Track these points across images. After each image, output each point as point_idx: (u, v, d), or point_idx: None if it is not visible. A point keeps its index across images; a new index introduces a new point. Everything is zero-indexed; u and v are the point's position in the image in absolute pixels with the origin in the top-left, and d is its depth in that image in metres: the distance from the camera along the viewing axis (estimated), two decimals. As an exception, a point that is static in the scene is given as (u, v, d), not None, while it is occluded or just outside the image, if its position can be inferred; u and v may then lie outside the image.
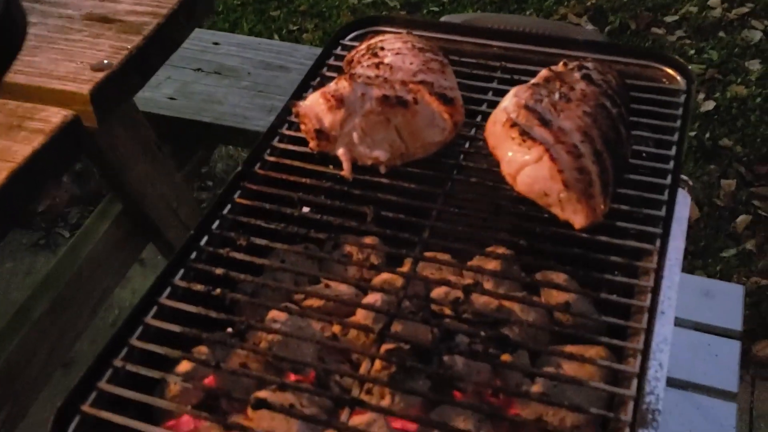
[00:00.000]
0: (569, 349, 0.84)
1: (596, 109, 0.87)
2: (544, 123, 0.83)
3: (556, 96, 0.87)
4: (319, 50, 2.18)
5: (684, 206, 0.98)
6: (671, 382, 1.25)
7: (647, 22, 3.01)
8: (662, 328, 0.79)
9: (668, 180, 0.94)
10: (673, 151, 0.98)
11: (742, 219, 2.24)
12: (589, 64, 0.94)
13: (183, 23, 1.34)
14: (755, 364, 1.97)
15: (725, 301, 1.37)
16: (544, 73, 0.92)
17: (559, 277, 0.90)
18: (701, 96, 2.63)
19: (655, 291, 0.81)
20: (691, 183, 1.05)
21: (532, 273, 0.93)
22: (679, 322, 1.33)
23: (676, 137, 1.00)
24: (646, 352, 0.76)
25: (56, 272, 1.60)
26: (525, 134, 0.82)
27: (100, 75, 1.20)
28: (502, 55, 1.12)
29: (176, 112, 1.91)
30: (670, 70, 1.09)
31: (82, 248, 1.63)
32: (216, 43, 2.12)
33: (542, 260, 0.86)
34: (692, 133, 2.50)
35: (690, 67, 2.92)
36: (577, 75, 0.91)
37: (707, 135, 2.49)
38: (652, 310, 0.80)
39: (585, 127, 0.84)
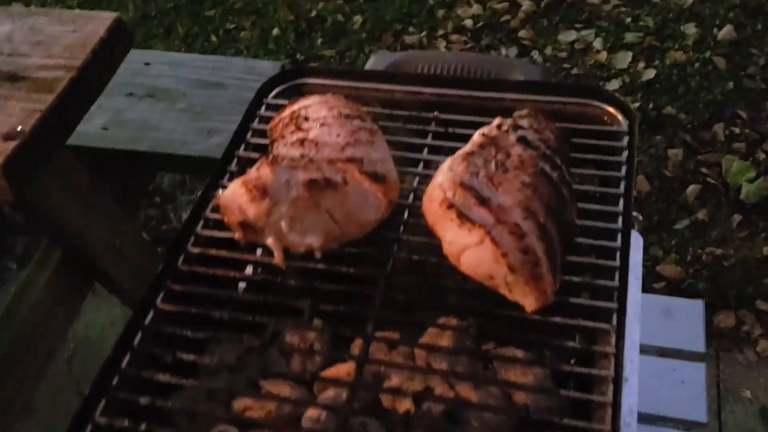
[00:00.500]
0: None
1: (535, 177, 0.81)
2: (482, 201, 0.78)
3: (492, 166, 0.81)
4: (255, 62, 2.12)
5: (637, 250, 0.95)
6: (640, 418, 1.24)
7: (582, -8, 3.00)
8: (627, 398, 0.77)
9: (618, 224, 0.90)
10: (620, 206, 0.93)
11: (692, 189, 2.26)
12: (524, 122, 0.88)
13: (100, 72, 1.24)
14: (717, 335, 2.00)
15: (686, 320, 1.36)
16: (477, 138, 0.86)
17: (516, 352, 0.86)
18: (642, 65, 2.64)
19: (617, 383, 0.77)
20: (641, 218, 1.02)
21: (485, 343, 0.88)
22: (643, 349, 1.32)
23: (622, 188, 0.95)
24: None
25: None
26: (463, 216, 0.77)
27: (12, 144, 1.09)
28: (435, 103, 1.07)
29: (110, 143, 1.82)
30: (610, 109, 1.04)
31: (25, 302, 1.56)
32: (147, 64, 2.02)
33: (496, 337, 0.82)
34: (636, 104, 2.51)
35: (627, 36, 2.88)
36: (512, 138, 0.85)
37: (651, 105, 2.50)
38: (616, 406, 0.75)
39: (526, 200, 0.79)
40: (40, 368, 1.64)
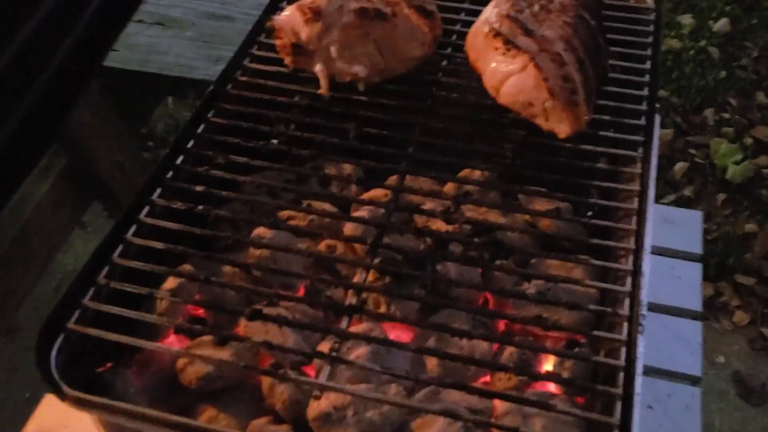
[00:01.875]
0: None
1: (576, 19, 0.88)
2: (528, 32, 0.84)
3: (536, 7, 0.87)
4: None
5: (656, 126, 1.00)
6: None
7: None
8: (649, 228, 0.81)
9: (646, 92, 0.96)
10: (648, 65, 0.99)
11: (680, 166, 2.32)
12: None
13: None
14: (696, 301, 2.05)
15: (685, 227, 1.41)
16: None
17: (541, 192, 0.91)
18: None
19: (642, 195, 0.83)
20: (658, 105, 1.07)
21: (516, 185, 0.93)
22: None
23: (649, 52, 1.02)
24: (638, 252, 0.77)
25: (-2, 232, 1.53)
26: (510, 43, 0.83)
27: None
28: None
29: (119, 63, 1.83)
30: None
31: (26, 206, 1.56)
32: (156, -7, 2.04)
33: (528, 171, 0.86)
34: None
35: None
36: None
37: (645, 87, 2.56)
38: (641, 212, 0.81)
39: (567, 36, 0.85)
40: (39, 269, 1.65)
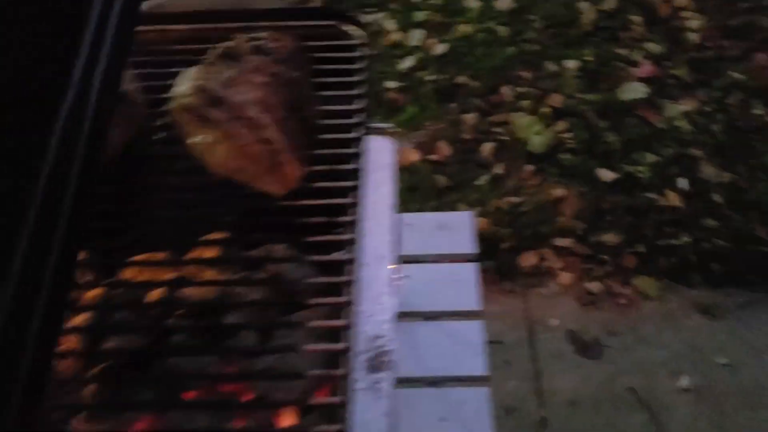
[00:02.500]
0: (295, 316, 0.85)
1: (271, 77, 0.88)
2: (218, 102, 0.83)
3: (229, 72, 0.87)
4: None
5: (387, 152, 1.03)
6: (425, 316, 1.33)
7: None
8: (378, 271, 0.83)
9: (357, 132, 0.97)
10: (359, 104, 1.01)
11: (487, 147, 2.42)
12: (261, 35, 0.94)
13: None
14: (522, 275, 2.16)
15: (458, 230, 1.47)
16: (215, 51, 0.91)
17: (279, 249, 0.91)
18: (433, 41, 2.79)
19: (352, 243, 0.84)
20: (391, 128, 1.09)
21: (254, 249, 0.92)
22: (421, 258, 1.42)
23: (358, 90, 1.03)
24: (352, 304, 0.78)
25: None
26: (201, 117, 0.82)
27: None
28: (182, 38, 1.10)
29: None
30: (347, 26, 1.13)
31: None
32: None
33: (260, 235, 0.87)
34: (432, 77, 2.65)
35: (417, 16, 3.00)
36: (248, 47, 0.91)
37: (444, 76, 2.65)
38: (352, 261, 0.82)
39: (261, 98, 0.85)
40: None
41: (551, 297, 2.11)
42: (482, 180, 2.35)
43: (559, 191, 2.28)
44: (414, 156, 2.41)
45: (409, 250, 1.42)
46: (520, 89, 2.58)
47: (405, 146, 2.44)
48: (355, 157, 0.92)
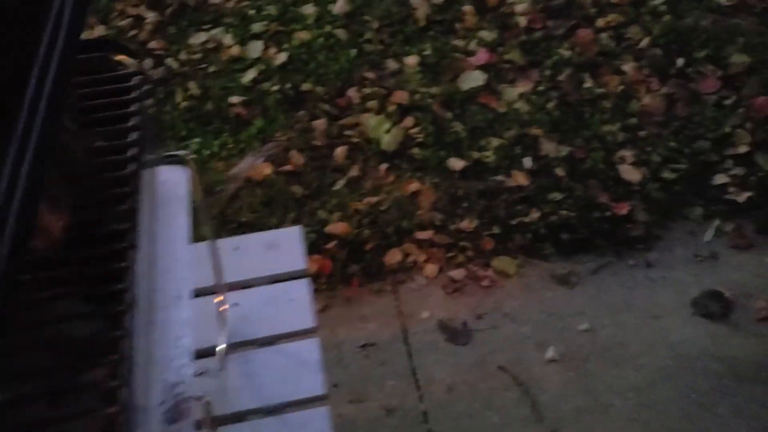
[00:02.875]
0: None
1: None
2: None
3: None
4: None
5: (180, 182, 1.00)
6: (260, 342, 1.31)
7: (204, -6, 3.06)
8: (175, 312, 0.80)
9: (133, 167, 0.92)
10: (135, 136, 0.95)
11: (340, 151, 2.44)
12: None
13: None
14: (390, 273, 2.19)
15: (288, 248, 1.47)
16: None
17: (60, 305, 0.84)
18: (273, 51, 2.77)
19: (124, 293, 0.78)
20: (186, 154, 1.06)
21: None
22: (251, 282, 1.40)
23: (134, 122, 0.97)
24: (125, 359, 0.73)
25: None
26: None
27: None
28: None
29: None
30: (121, 56, 1.07)
31: None
32: None
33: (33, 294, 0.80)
34: (276, 87, 2.63)
35: (254, 27, 2.95)
36: None
37: (288, 85, 2.64)
38: (123, 312, 0.77)
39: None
40: None
41: (419, 290, 2.16)
42: (339, 184, 2.36)
43: (414, 185, 2.33)
44: (266, 169, 2.38)
45: (238, 275, 1.39)
46: (365, 90, 2.61)
47: (257, 160, 2.42)
48: (131, 195, 0.86)
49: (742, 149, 2.32)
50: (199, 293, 1.30)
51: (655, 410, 1.84)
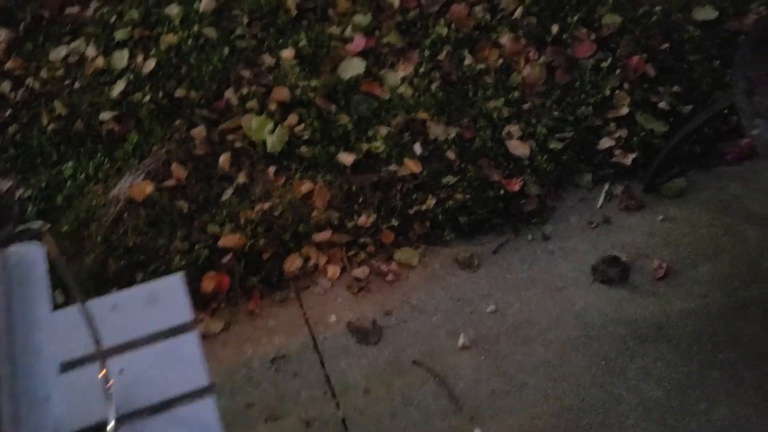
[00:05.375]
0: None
1: None
2: None
3: None
4: None
5: (35, 262, 0.89)
6: (151, 410, 1.22)
7: (59, 4, 2.84)
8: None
9: None
10: None
11: (224, 158, 2.33)
12: None
13: None
14: (292, 280, 2.12)
15: (170, 298, 1.36)
16: None
17: None
18: (141, 58, 2.61)
19: None
20: (42, 226, 0.95)
21: None
22: (135, 343, 1.29)
23: None
24: None
25: None
26: None
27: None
28: None
29: None
30: None
31: None
32: None
33: None
34: (147, 97, 2.48)
35: (117, 35, 2.77)
36: None
37: (161, 93, 2.49)
38: None
39: None
40: None
41: (324, 294, 2.10)
42: (227, 194, 2.26)
43: (306, 186, 2.26)
44: (148, 187, 2.25)
45: (119, 337, 1.28)
46: (243, 90, 2.50)
47: (137, 179, 2.28)
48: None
49: (623, 111, 2.36)
50: (78, 363, 1.19)
51: (567, 383, 1.87)
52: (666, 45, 2.48)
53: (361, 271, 2.13)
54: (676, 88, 2.38)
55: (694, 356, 1.86)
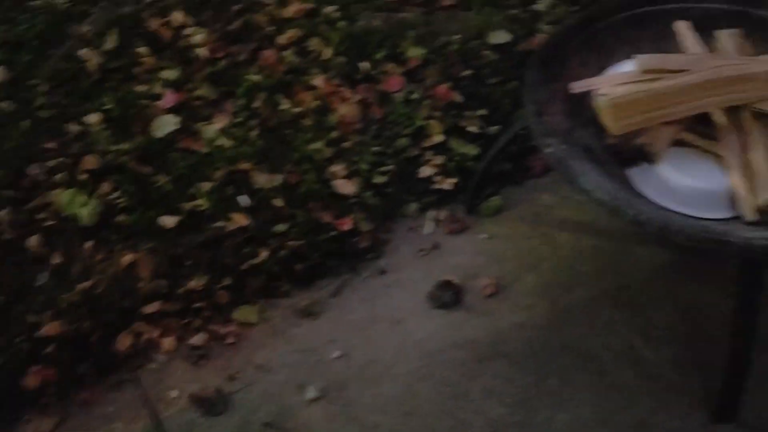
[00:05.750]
0: None
1: None
2: None
3: None
4: None
5: None
6: None
7: None
8: None
9: None
10: None
11: (34, 239, 2.17)
12: None
13: None
14: (126, 359, 2.01)
15: None
16: None
17: None
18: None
19: None
20: None
21: None
22: None
23: None
24: None
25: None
26: None
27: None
28: None
29: None
30: None
31: None
32: None
33: None
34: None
35: None
36: None
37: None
38: None
39: None
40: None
41: (162, 369, 2.01)
42: (42, 278, 2.11)
43: (128, 257, 2.15)
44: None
45: None
46: (50, 163, 2.35)
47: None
48: None
49: (438, 138, 2.45)
50: None
51: (417, 415, 1.90)
52: (467, 71, 2.60)
53: (198, 338, 2.06)
54: (481, 112, 2.51)
55: (530, 368, 1.96)
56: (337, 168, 2.39)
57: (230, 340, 2.06)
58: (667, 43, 2.01)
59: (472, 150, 2.43)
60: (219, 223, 2.25)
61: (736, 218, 1.71)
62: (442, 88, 2.55)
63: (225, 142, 2.45)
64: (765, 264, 1.68)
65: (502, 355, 1.99)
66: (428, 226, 2.33)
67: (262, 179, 2.35)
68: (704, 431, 1.80)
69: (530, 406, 1.88)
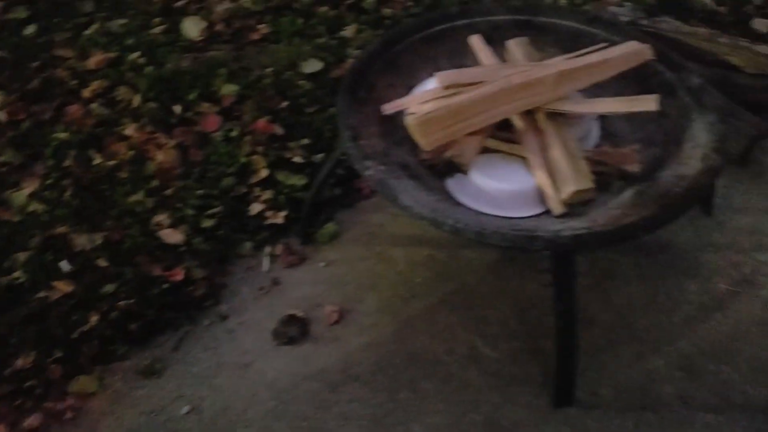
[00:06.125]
0: None
1: None
2: None
3: None
4: None
5: None
6: None
7: None
8: None
9: None
10: None
11: None
12: None
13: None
14: None
15: None
16: None
17: None
18: None
19: None
20: None
21: None
22: None
23: None
24: None
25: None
26: None
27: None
28: None
29: None
30: None
31: None
32: None
33: None
34: None
35: None
36: None
37: None
38: None
39: None
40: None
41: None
42: None
43: (-60, 347, 1.97)
44: None
45: None
46: None
47: None
48: None
49: (263, 173, 2.45)
50: None
51: (278, 456, 1.87)
52: (285, 103, 2.62)
53: (33, 420, 1.91)
54: (304, 141, 2.53)
55: (381, 385, 1.99)
56: (161, 217, 2.32)
57: (69, 415, 1.93)
58: (464, 57, 2.14)
59: (299, 180, 2.44)
60: (41, 294, 2.11)
61: (547, 213, 1.84)
62: (262, 122, 2.55)
63: (37, 206, 2.32)
64: (574, 253, 1.81)
65: (354, 379, 2.01)
66: (265, 263, 2.31)
67: (82, 240, 2.24)
68: (547, 418, 1.91)
69: (385, 424, 1.91)
